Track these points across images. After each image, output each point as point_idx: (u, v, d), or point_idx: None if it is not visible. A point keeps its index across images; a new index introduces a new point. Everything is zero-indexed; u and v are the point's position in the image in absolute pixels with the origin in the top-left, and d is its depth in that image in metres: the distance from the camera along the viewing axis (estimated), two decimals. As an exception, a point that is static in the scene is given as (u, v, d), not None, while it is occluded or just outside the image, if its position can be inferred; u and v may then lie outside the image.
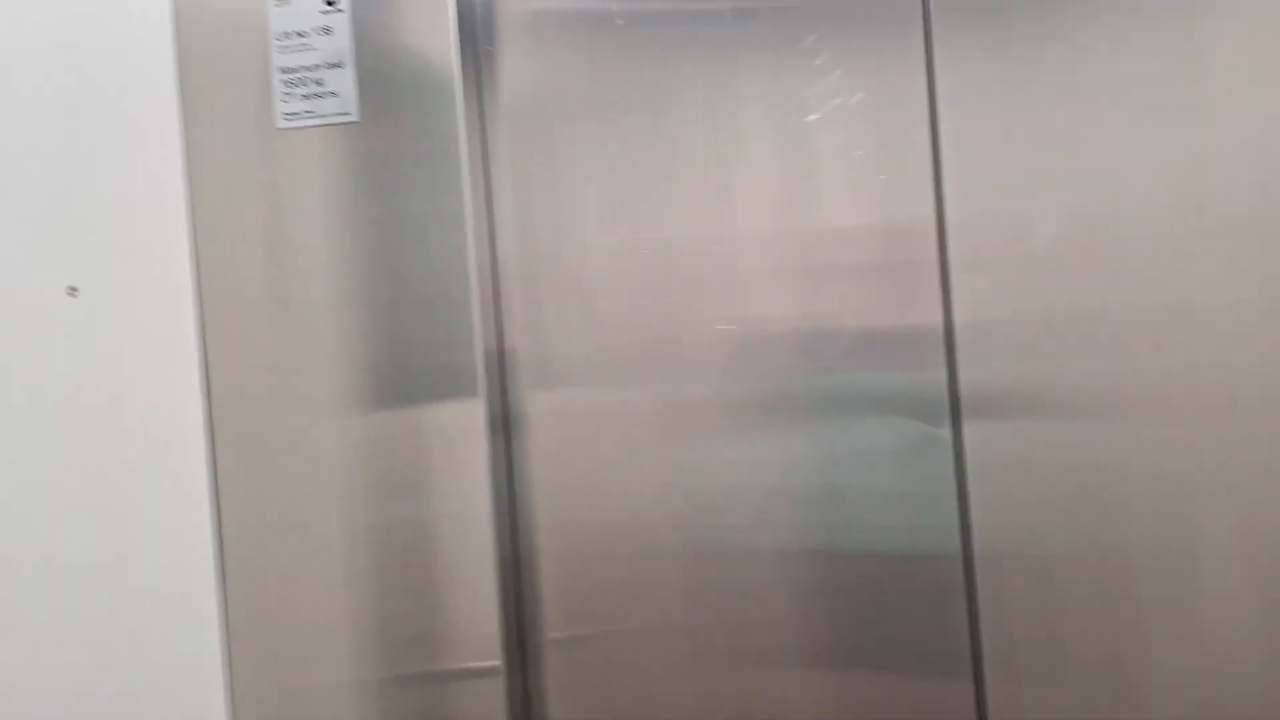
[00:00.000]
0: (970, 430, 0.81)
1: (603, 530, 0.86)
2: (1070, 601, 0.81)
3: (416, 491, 0.83)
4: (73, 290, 0.77)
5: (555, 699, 0.86)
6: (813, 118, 0.83)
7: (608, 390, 0.85)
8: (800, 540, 0.84)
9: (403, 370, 0.83)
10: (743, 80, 0.84)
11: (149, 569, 0.83)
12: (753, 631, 0.84)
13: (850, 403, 0.83)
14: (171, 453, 0.84)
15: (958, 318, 0.81)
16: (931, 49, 0.81)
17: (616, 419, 0.85)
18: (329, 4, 0.83)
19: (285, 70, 0.83)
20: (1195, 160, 0.79)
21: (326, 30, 0.83)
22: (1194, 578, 0.79)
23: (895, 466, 0.83)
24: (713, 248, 0.84)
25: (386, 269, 0.83)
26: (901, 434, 0.82)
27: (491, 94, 0.86)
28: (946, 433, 0.82)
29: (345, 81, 0.83)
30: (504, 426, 0.86)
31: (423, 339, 0.83)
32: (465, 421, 0.83)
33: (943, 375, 0.82)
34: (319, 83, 0.83)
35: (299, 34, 0.83)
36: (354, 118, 0.83)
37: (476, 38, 0.86)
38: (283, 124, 0.84)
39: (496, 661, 0.83)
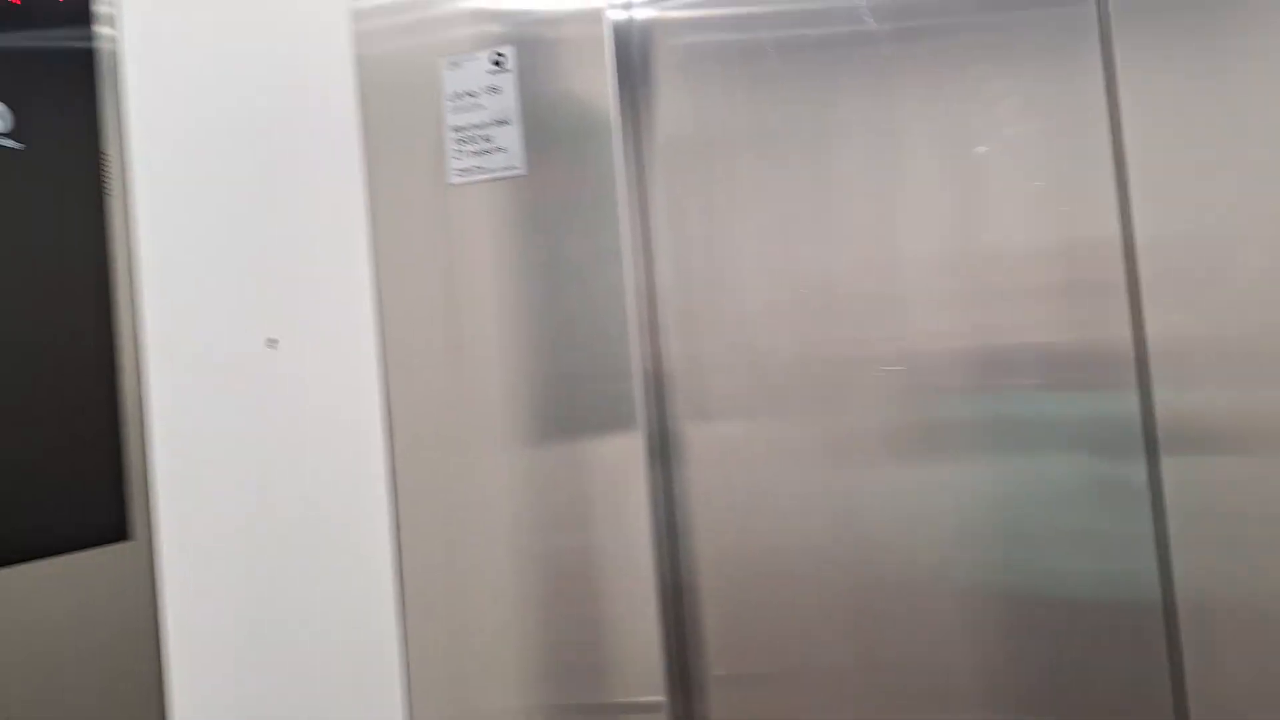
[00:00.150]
0: (1169, 465, 0.74)
1: (766, 563, 0.84)
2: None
3: (581, 522, 0.85)
4: (272, 342, 0.85)
5: (721, 738, 0.85)
6: (981, 126, 0.79)
7: (768, 420, 0.84)
8: (977, 579, 0.79)
9: (566, 404, 0.86)
10: (905, 103, 0.81)
11: (335, 601, 0.89)
12: (925, 674, 0.80)
13: (1033, 432, 0.77)
14: (358, 495, 0.90)
15: (1151, 346, 0.74)
16: (1111, 51, 0.76)
17: (778, 448, 0.84)
18: (496, 64, 0.89)
19: (457, 129, 0.90)
20: None
21: (494, 90, 0.89)
22: None
23: (1084, 504, 0.76)
24: (875, 275, 0.82)
25: (550, 309, 0.87)
26: (1090, 470, 0.76)
27: (649, 132, 0.89)
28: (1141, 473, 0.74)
29: (512, 137, 0.88)
30: (663, 456, 0.87)
31: (585, 372, 0.85)
32: (625, 452, 0.84)
33: (1135, 404, 0.75)
34: (488, 139, 0.89)
35: (469, 94, 0.89)
36: (520, 171, 0.88)
37: (633, 78, 0.89)
38: (455, 179, 0.90)
39: (660, 697, 0.83)
